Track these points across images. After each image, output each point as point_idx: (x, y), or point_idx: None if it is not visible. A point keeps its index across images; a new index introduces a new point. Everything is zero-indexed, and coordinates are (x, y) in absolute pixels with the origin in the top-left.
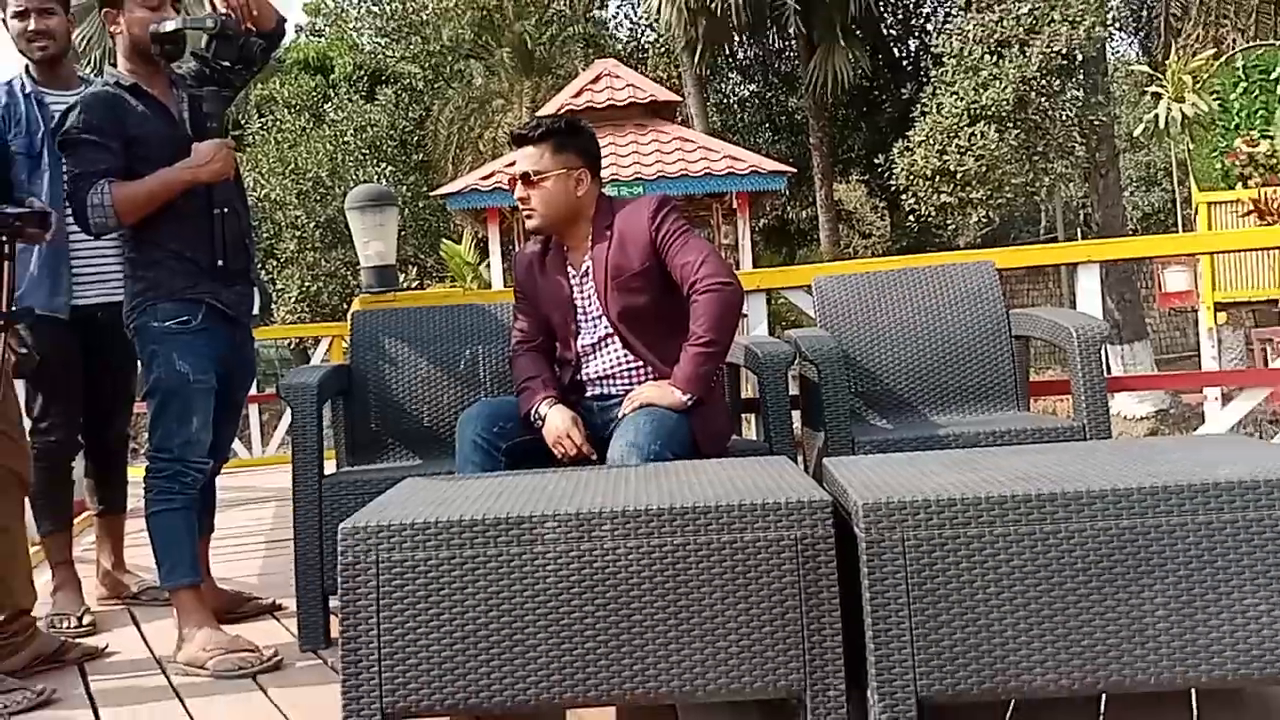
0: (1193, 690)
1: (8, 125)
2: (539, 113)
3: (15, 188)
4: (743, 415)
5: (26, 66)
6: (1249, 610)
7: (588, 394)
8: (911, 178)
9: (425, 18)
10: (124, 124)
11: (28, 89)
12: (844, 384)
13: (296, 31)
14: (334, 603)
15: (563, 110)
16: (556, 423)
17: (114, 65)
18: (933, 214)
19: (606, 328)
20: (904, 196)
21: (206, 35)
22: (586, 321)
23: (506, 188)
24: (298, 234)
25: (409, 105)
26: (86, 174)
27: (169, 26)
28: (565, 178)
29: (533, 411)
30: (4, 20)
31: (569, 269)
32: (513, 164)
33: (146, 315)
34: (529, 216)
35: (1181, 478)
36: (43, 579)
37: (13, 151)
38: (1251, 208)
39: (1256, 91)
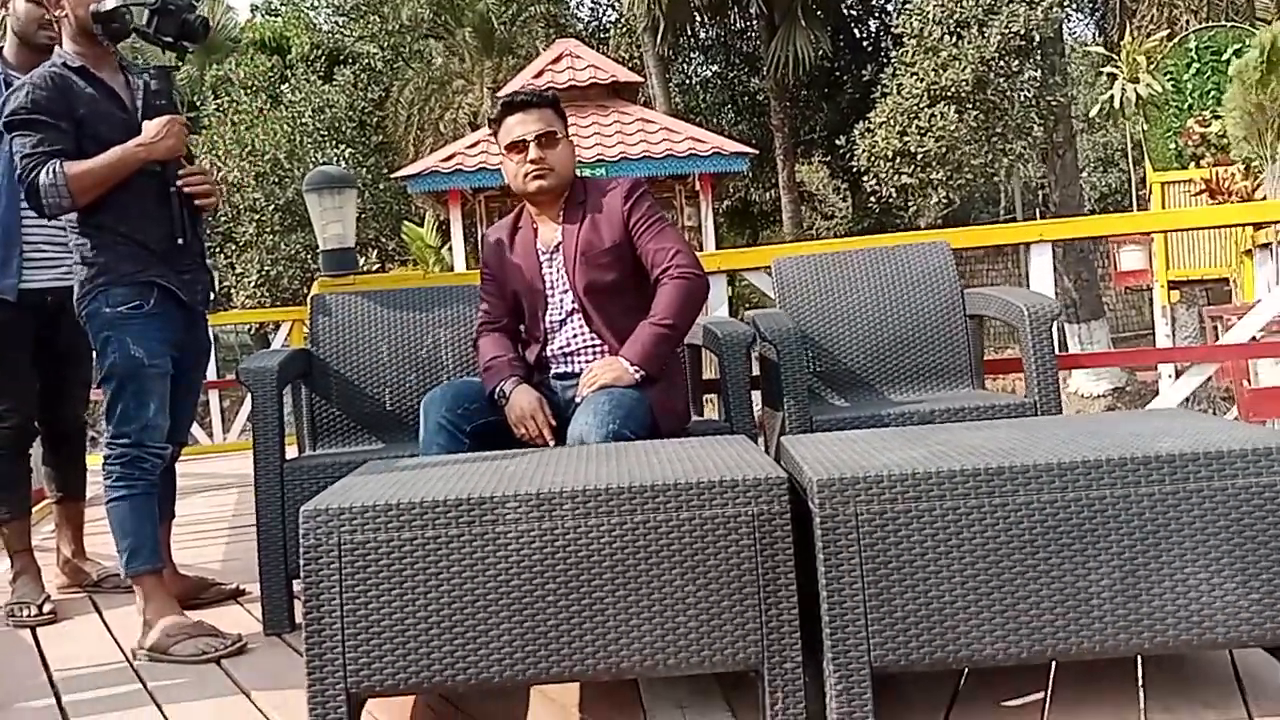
0: (1138, 657)
1: None
2: (499, 93)
3: None
4: (704, 396)
5: (0, 49)
6: (1190, 579)
7: (551, 371)
8: (872, 159)
9: None
10: (73, 105)
11: None
12: (802, 364)
13: (252, 11)
14: (298, 587)
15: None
16: (522, 403)
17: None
18: (894, 195)
19: (572, 302)
20: (865, 178)
21: (148, 10)
22: (554, 296)
23: (487, 167)
24: (256, 217)
25: (368, 85)
26: (37, 154)
27: (108, 5)
28: (569, 143)
29: (497, 390)
30: (9, 2)
31: (538, 246)
32: (475, 145)
33: (98, 301)
34: (542, 176)
35: (1124, 450)
36: (1, 568)
37: None
38: (1203, 187)
39: (1208, 72)
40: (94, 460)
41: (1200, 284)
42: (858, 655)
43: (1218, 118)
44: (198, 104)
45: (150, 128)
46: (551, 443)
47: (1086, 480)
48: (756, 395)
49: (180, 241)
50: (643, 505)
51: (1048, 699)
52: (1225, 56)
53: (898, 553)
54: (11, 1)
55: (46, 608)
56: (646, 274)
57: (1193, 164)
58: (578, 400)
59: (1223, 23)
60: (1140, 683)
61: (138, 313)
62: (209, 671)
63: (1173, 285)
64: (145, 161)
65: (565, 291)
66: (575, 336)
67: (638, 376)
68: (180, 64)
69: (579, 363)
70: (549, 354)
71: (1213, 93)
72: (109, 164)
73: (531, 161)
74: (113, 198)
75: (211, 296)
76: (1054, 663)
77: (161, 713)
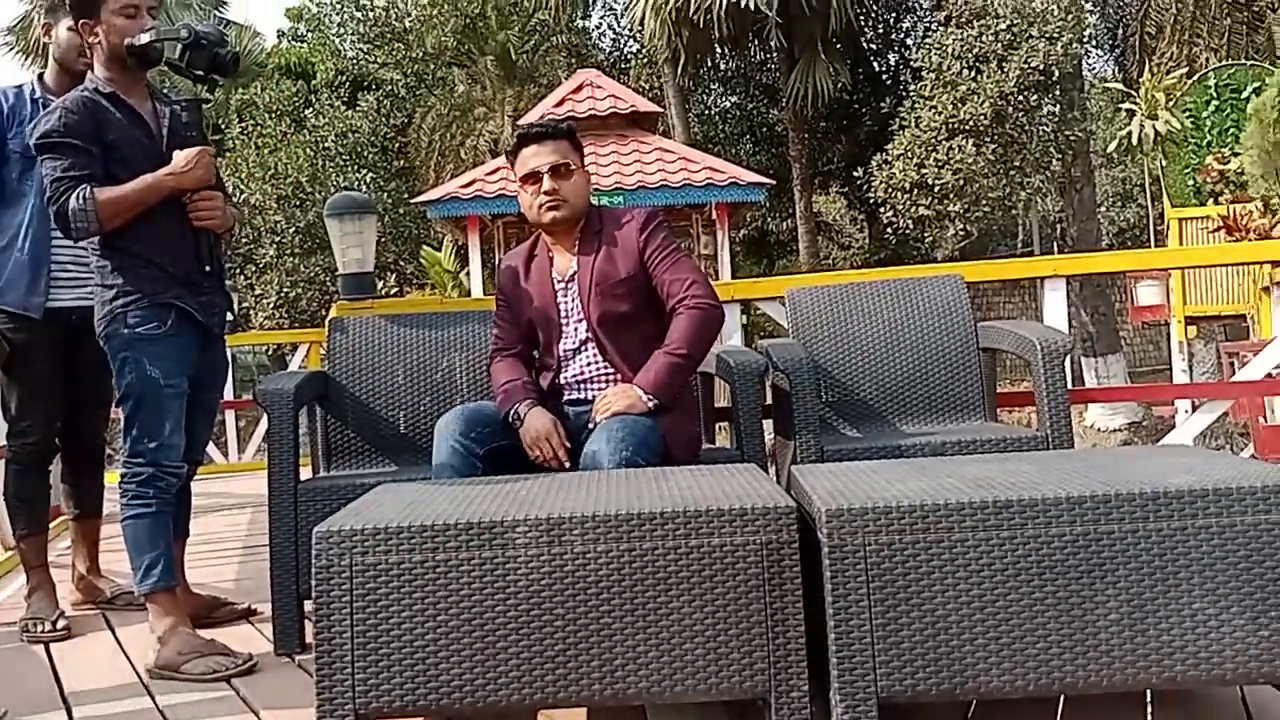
0: (1147, 692)
1: (10, 125)
2: (520, 122)
3: (4, 185)
4: (716, 424)
5: (40, 75)
6: (1197, 614)
7: (564, 399)
8: (890, 190)
9: (408, 25)
10: (102, 130)
11: (37, 94)
12: (814, 394)
13: (278, 36)
14: (309, 607)
15: (544, 119)
16: (536, 425)
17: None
18: (910, 226)
19: (586, 332)
20: (882, 209)
21: (180, 45)
22: (568, 325)
23: (506, 193)
24: (277, 239)
25: (391, 112)
26: (68, 178)
27: (143, 39)
28: (584, 173)
29: (512, 412)
30: (50, 27)
31: (554, 275)
32: (494, 172)
33: (117, 322)
34: (556, 207)
35: (1133, 486)
36: (17, 583)
37: (9, 150)
38: (1221, 224)
39: (1227, 110)
40: (111, 478)
41: (1218, 320)
42: (865, 685)
43: (1236, 155)
44: (223, 127)
45: (180, 158)
46: (566, 464)
47: (1095, 515)
48: (768, 424)
49: (207, 269)
50: (652, 532)
51: None
52: (1245, 94)
53: (906, 584)
54: (54, 29)
55: (60, 624)
56: (661, 305)
57: (1211, 200)
58: (591, 426)
59: (1242, 61)
60: (1149, 717)
61: (155, 334)
62: (219, 690)
63: (1190, 321)
64: (174, 190)
65: (580, 321)
66: (589, 365)
67: (650, 405)
68: (210, 97)
69: (592, 390)
70: (562, 381)
71: (1232, 130)
72: (138, 191)
73: (545, 193)
74: (137, 223)
75: (230, 319)
76: (1062, 696)
77: None
